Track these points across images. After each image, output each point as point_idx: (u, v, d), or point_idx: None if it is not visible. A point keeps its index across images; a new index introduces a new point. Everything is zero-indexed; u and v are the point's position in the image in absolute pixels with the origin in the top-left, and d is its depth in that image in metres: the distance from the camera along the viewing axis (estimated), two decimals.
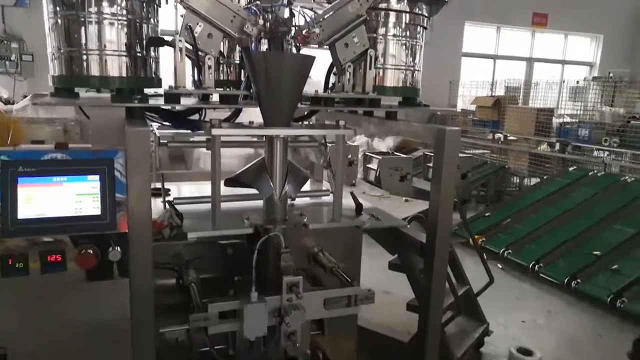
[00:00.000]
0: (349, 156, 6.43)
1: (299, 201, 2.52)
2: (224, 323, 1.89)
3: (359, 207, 2.34)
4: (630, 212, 5.81)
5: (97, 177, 1.44)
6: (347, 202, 2.35)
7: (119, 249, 1.46)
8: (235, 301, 1.89)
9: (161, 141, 2.32)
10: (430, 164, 6.13)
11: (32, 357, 1.50)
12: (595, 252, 5.23)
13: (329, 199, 2.48)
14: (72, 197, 1.42)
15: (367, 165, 6.90)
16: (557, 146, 8.42)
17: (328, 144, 2.59)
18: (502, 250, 5.84)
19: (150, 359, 1.63)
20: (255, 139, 2.57)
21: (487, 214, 6.74)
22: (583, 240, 5.58)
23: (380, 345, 3.59)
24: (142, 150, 1.44)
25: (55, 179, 1.40)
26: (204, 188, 2.06)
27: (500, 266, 5.74)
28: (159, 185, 2.31)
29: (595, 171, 7.06)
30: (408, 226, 2.53)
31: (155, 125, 2.41)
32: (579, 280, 4.98)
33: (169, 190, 2.42)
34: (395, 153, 7.49)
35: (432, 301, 2.15)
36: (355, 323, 2.83)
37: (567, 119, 9.34)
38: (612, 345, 4.17)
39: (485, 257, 4.15)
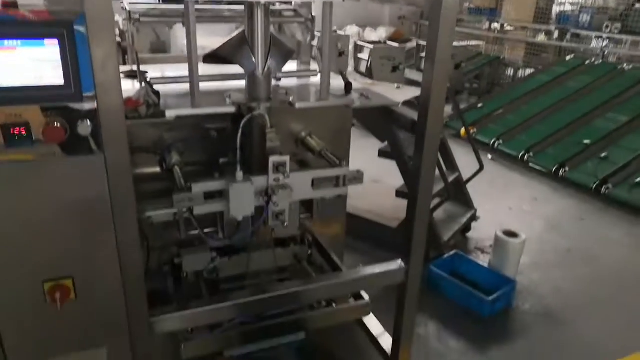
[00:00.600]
0: (339, 46, 6.12)
1: (284, 82, 2.38)
2: (209, 203, 1.85)
3: (348, 86, 2.21)
4: (625, 100, 5.73)
5: (55, 41, 1.28)
6: (336, 83, 2.22)
7: (88, 122, 1.35)
8: (221, 181, 1.84)
9: (133, 16, 2.12)
10: (424, 54, 5.86)
11: (5, 238, 1.45)
12: (585, 141, 5.23)
13: (316, 80, 2.33)
14: (29, 64, 1.27)
15: (358, 56, 6.59)
16: (556, 34, 8.08)
17: (317, 33, 2.38)
18: (493, 141, 5.82)
19: (134, 238, 1.60)
20: (235, 15, 2.37)
21: (479, 105, 6.63)
22: (574, 129, 5.56)
23: (369, 231, 3.67)
24: (103, 9, 1.28)
25: (7, 42, 1.24)
26: (184, 70, 1.91)
27: (490, 157, 5.76)
28: (136, 68, 2.15)
29: (593, 60, 6.85)
30: (399, 106, 2.42)
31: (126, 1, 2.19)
32: (567, 169, 5.02)
33: (146, 72, 2.26)
34: (387, 42, 7.15)
35: (421, 185, 2.09)
36: (344, 208, 2.83)
37: (569, 7, 8.88)
38: (594, 228, 4.31)
39: (476, 145, 4.11)
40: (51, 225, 1.50)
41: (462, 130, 6.20)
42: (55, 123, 1.31)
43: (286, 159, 1.86)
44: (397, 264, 2.16)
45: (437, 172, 3.50)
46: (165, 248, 2.41)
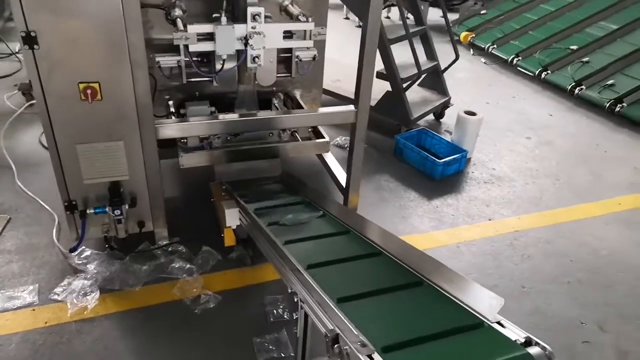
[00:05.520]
0: None
1: None
2: (201, 42, 2.42)
3: None
4: (620, 9, 5.89)
5: None
6: None
7: None
8: (210, 25, 2.39)
9: None
10: None
11: (56, 51, 2.06)
12: (572, 47, 5.53)
13: None
14: None
15: None
16: None
17: None
18: (487, 45, 6.14)
19: (142, 56, 2.19)
20: None
21: (482, 12, 6.85)
22: (566, 36, 5.82)
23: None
24: None
25: None
26: None
27: (483, 60, 6.11)
28: None
29: None
30: None
31: None
32: (549, 72, 5.39)
33: None
34: None
35: (368, 38, 2.56)
36: (321, 74, 3.39)
37: None
38: (558, 121, 4.77)
39: (455, 37, 4.51)
40: (83, 41, 2.10)
41: (462, 35, 6.53)
42: None
43: (261, 9, 2.39)
44: (349, 107, 2.73)
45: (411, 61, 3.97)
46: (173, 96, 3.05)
